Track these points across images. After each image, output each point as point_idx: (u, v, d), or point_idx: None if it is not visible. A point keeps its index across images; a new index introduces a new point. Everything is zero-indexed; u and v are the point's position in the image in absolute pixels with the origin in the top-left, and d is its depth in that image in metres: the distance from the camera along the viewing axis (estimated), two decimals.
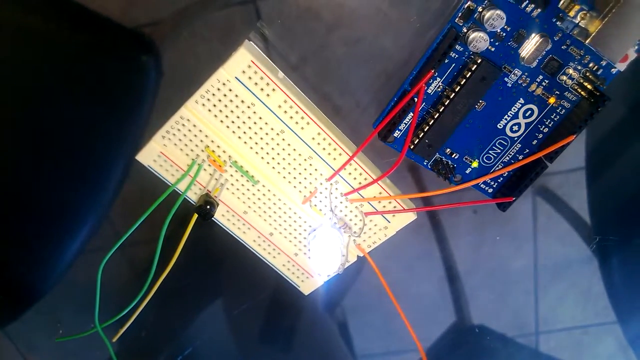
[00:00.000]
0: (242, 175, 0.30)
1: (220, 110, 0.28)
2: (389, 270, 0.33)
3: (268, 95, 0.28)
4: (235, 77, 0.27)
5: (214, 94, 0.28)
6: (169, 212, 0.31)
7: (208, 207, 0.29)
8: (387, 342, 0.41)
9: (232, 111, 0.28)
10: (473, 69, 0.27)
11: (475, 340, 0.40)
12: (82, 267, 0.36)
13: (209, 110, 0.28)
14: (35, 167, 0.32)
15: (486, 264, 0.38)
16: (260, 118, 0.28)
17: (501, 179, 0.31)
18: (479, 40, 0.26)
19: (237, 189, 0.31)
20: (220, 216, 0.32)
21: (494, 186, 0.31)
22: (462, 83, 0.27)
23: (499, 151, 0.30)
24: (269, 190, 0.31)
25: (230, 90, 0.28)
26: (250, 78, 0.27)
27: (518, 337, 0.40)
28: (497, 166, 0.31)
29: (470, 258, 0.37)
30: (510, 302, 0.39)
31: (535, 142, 0.30)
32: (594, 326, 0.40)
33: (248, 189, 0.31)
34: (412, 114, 0.28)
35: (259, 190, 0.31)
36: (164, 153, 0.30)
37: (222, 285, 0.39)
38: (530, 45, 0.27)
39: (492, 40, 0.27)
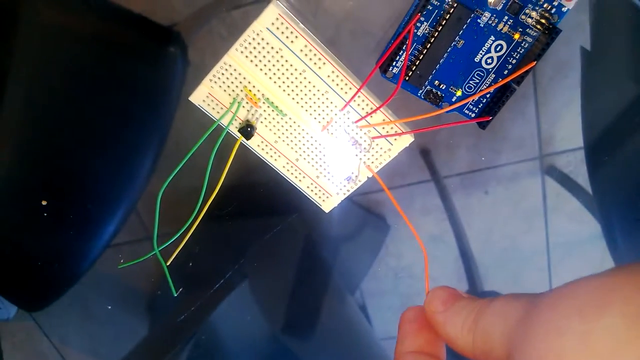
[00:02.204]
0: (272, 110, 0.38)
1: (255, 56, 0.36)
2: (403, 254, 0.37)
3: (292, 42, 0.36)
4: (267, 28, 0.35)
5: (249, 43, 0.36)
6: (216, 142, 0.39)
7: (249, 128, 0.37)
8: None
9: (264, 56, 0.36)
10: (451, 11, 0.34)
11: None
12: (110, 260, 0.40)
13: (246, 57, 0.36)
14: (74, 157, 0.35)
15: (499, 243, 0.39)
16: (287, 61, 0.36)
17: (481, 104, 0.39)
18: None
19: (269, 122, 0.39)
20: (256, 146, 0.40)
21: (475, 111, 0.39)
22: (443, 24, 0.35)
23: (478, 81, 0.38)
24: (294, 122, 0.39)
25: (263, 39, 0.35)
26: (277, 28, 0.35)
27: None
28: (477, 93, 0.38)
29: (483, 238, 0.39)
30: (524, 280, 0.41)
31: (506, 72, 0.37)
32: None
33: (277, 122, 0.39)
34: (405, 50, 0.36)
35: (286, 122, 0.39)
36: (212, 94, 0.38)
37: (257, 207, 0.46)
38: None
39: None
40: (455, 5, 0.34)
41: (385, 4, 0.37)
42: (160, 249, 0.44)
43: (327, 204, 0.43)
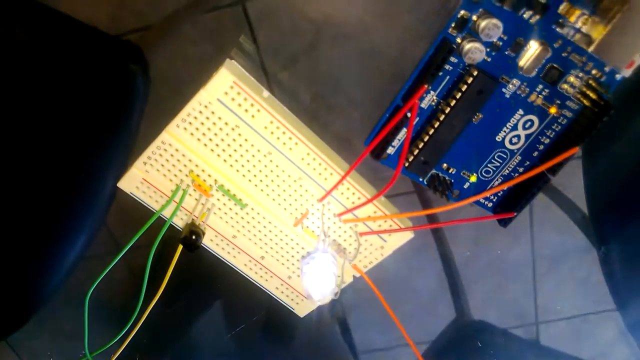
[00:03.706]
0: (229, 199, 0.29)
1: (204, 134, 0.27)
2: (387, 265, 0.32)
3: (253, 116, 0.26)
4: (218, 99, 0.26)
5: (195, 117, 0.26)
6: (155, 240, 0.29)
7: (193, 237, 0.27)
8: (387, 336, 0.40)
9: (215, 134, 0.27)
10: (469, 82, 0.25)
11: (475, 332, 0.40)
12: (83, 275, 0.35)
13: (192, 134, 0.27)
14: (27, 178, 0.31)
15: (484, 256, 0.37)
16: (246, 140, 0.27)
17: (500, 192, 0.30)
18: (474, 51, 0.25)
19: (225, 213, 0.30)
20: (208, 241, 0.31)
21: (494, 200, 0.30)
22: (457, 97, 0.26)
23: (498, 164, 0.29)
24: (258, 214, 0.29)
25: (213, 112, 0.26)
26: (233, 99, 0.26)
27: (518, 327, 0.40)
28: (497, 180, 0.29)
29: (467, 250, 0.37)
30: (509, 293, 0.39)
31: (536, 153, 0.28)
32: (594, 314, 0.40)
33: (236, 213, 0.30)
34: (406, 130, 0.26)
35: (247, 213, 0.29)
36: (147, 180, 0.28)
37: (214, 308, 0.38)
38: (529, 53, 0.25)
39: (488, 50, 0.25)
40: (475, 73, 0.25)
41: (381, 60, 0.28)
42: (94, 354, 0.35)
43: (302, 308, 0.34)
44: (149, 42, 0.29)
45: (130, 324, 0.34)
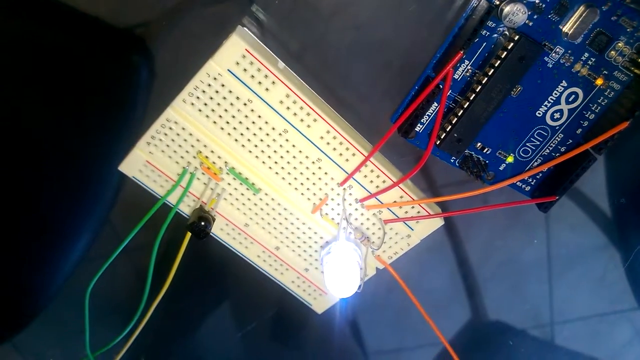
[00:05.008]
0: (241, 184, 0.26)
1: (213, 110, 0.24)
2: (399, 264, 0.30)
3: (267, 89, 0.24)
4: (228, 70, 0.23)
5: (204, 91, 0.24)
6: (160, 228, 0.27)
7: (202, 223, 0.25)
8: (400, 337, 0.39)
9: (226, 110, 0.24)
10: (509, 47, 0.22)
11: (490, 333, 0.39)
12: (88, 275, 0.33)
13: (200, 110, 0.24)
14: (30, 174, 0.30)
15: (498, 255, 0.36)
16: (260, 117, 0.24)
17: (540, 174, 0.27)
18: (515, 13, 0.22)
19: (237, 199, 0.27)
20: (218, 230, 0.28)
21: (532, 183, 0.27)
22: (496, 65, 0.23)
23: (538, 143, 0.26)
24: (272, 199, 0.27)
25: (223, 85, 0.23)
26: (245, 70, 0.23)
27: (533, 328, 0.39)
28: (536, 160, 0.27)
29: (481, 249, 0.36)
30: (524, 293, 0.38)
31: (579, 130, 0.26)
32: (610, 314, 0.39)
33: (249, 199, 0.27)
34: (438, 104, 0.24)
35: (261, 199, 0.27)
36: (151, 162, 0.26)
37: (224, 304, 0.35)
38: (575, 17, 0.23)
39: (530, 13, 0.22)
40: (516, 38, 0.22)
41: (409, 26, 0.25)
42: (96, 354, 0.33)
43: (320, 304, 0.31)
44: (153, 34, 0.27)
45: (133, 322, 0.32)
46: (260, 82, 0.23)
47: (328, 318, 0.33)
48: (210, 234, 0.28)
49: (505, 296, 0.38)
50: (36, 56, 0.27)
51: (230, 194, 0.27)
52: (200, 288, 0.34)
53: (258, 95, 0.24)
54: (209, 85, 0.23)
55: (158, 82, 0.28)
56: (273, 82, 0.23)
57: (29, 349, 0.39)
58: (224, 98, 0.24)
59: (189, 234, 0.26)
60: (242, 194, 0.27)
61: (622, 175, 0.33)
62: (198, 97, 0.24)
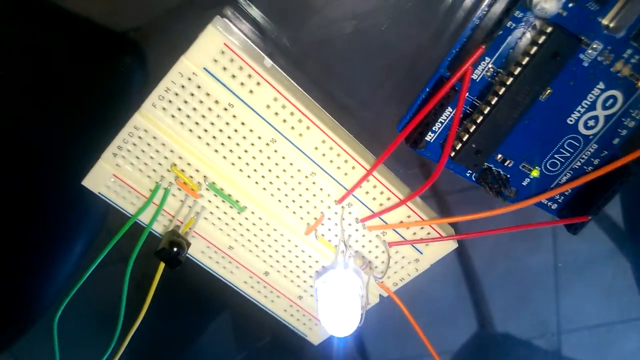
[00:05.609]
0: (223, 201, 0.23)
1: (188, 116, 0.21)
2: None
3: (251, 91, 0.20)
4: (204, 68, 0.19)
5: (176, 94, 0.20)
6: (132, 253, 0.23)
7: (174, 249, 0.21)
8: (403, 346, 0.38)
9: (203, 116, 0.21)
10: (540, 42, 0.19)
11: (495, 342, 0.38)
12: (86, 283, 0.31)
13: (173, 116, 0.21)
14: (21, 179, 0.29)
15: (504, 263, 0.35)
16: (243, 124, 0.21)
17: (569, 190, 0.23)
18: (548, 1, 0.18)
19: (219, 219, 0.23)
20: (199, 253, 0.24)
21: (560, 201, 0.24)
22: (523, 63, 0.19)
23: (568, 155, 0.22)
24: (260, 219, 0.23)
25: (199, 86, 0.20)
26: (225, 69, 0.20)
27: (539, 337, 0.38)
28: (564, 174, 0.23)
29: (486, 257, 0.34)
30: (530, 301, 0.37)
31: (617, 140, 0.22)
32: (619, 323, 0.38)
33: (233, 218, 0.23)
34: (454, 110, 0.20)
35: (246, 219, 0.23)
36: (118, 176, 0.22)
37: (210, 331, 0.32)
38: (617, 7, 0.19)
39: (564, 0, 0.19)
40: (549, 30, 0.19)
41: (417, 17, 0.21)
42: None
43: (316, 334, 0.27)
44: (147, 36, 0.24)
45: (109, 352, 0.28)
46: (242, 83, 0.20)
47: (326, 350, 0.29)
48: (190, 257, 0.24)
49: (511, 305, 0.37)
50: (26, 58, 0.25)
51: (212, 213, 0.23)
52: (188, 314, 0.31)
53: (240, 99, 0.20)
54: (182, 86, 0.20)
55: (151, 84, 0.25)
56: (258, 83, 0.20)
57: (28, 358, 0.37)
58: (201, 102, 0.20)
59: (161, 267, 0.22)
60: (225, 213, 0.23)
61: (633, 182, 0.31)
62: (170, 101, 0.20)
